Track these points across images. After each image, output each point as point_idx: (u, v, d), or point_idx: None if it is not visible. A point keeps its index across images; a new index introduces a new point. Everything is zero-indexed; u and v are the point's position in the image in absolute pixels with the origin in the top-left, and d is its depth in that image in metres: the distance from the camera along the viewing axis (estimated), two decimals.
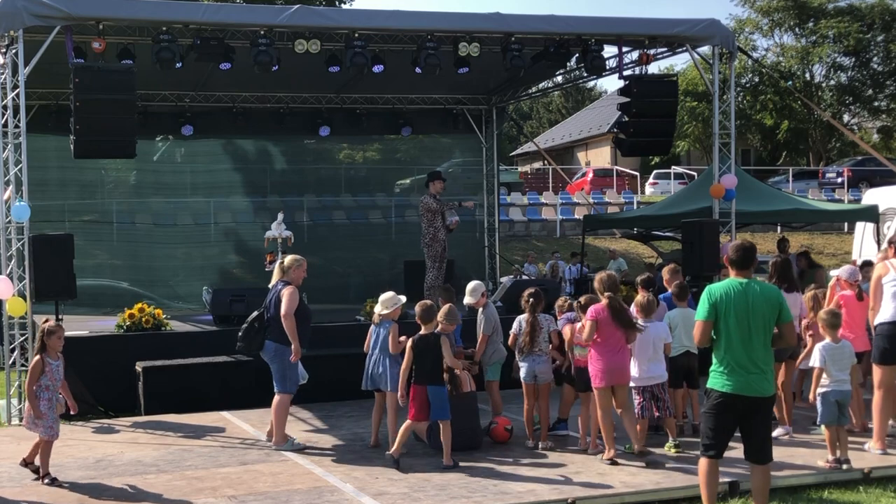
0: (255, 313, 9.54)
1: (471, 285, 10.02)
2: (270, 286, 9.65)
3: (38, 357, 8.44)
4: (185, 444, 9.78)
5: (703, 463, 6.79)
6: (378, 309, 9.35)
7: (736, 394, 6.53)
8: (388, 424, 9.26)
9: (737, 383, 6.54)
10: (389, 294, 9.43)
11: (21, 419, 10.42)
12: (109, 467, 8.84)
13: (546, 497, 7.62)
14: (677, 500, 7.69)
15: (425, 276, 13.90)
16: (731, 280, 6.72)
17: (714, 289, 6.73)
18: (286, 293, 9.22)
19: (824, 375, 8.37)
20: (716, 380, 6.65)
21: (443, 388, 8.67)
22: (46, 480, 8.26)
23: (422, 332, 8.78)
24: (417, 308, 8.90)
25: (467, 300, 9.91)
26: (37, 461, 8.48)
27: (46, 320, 8.77)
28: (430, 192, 13.83)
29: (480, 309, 9.87)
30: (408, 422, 8.70)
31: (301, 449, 9.37)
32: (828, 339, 8.49)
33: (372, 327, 9.46)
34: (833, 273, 10.53)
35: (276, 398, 9.41)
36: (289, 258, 9.67)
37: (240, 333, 9.58)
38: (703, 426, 6.84)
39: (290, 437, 9.51)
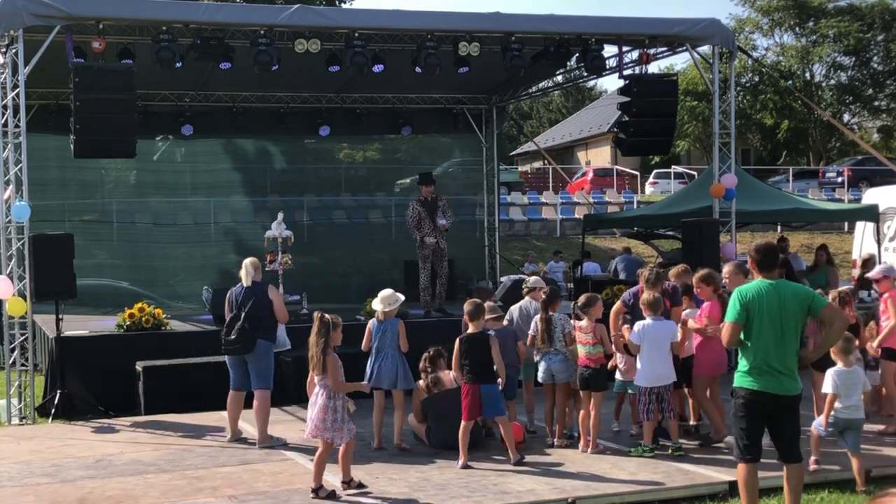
0: (241, 314, 9.52)
1: (531, 280, 10.23)
2: (247, 286, 9.65)
3: (332, 355, 7.76)
4: (185, 443, 9.78)
5: (742, 469, 6.69)
6: (381, 307, 9.21)
7: (764, 391, 6.48)
8: (395, 422, 9.26)
9: (766, 382, 6.49)
10: (388, 292, 9.34)
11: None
12: (109, 467, 8.84)
13: (546, 497, 7.62)
14: (677, 499, 7.68)
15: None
16: (761, 281, 6.63)
17: (745, 290, 6.63)
18: (276, 296, 9.64)
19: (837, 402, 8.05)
20: (743, 379, 6.58)
21: (495, 385, 8.66)
22: (355, 484, 7.82)
23: (470, 329, 8.74)
24: (466, 306, 8.88)
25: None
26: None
27: (322, 314, 7.94)
28: (422, 195, 14.02)
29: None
30: (464, 423, 8.58)
31: (284, 444, 9.56)
32: (840, 365, 8.08)
33: (372, 324, 9.32)
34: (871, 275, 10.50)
35: (261, 395, 9.50)
36: (253, 260, 9.82)
37: (232, 336, 9.58)
38: (735, 429, 6.73)
39: (271, 435, 9.66)
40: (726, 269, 9.17)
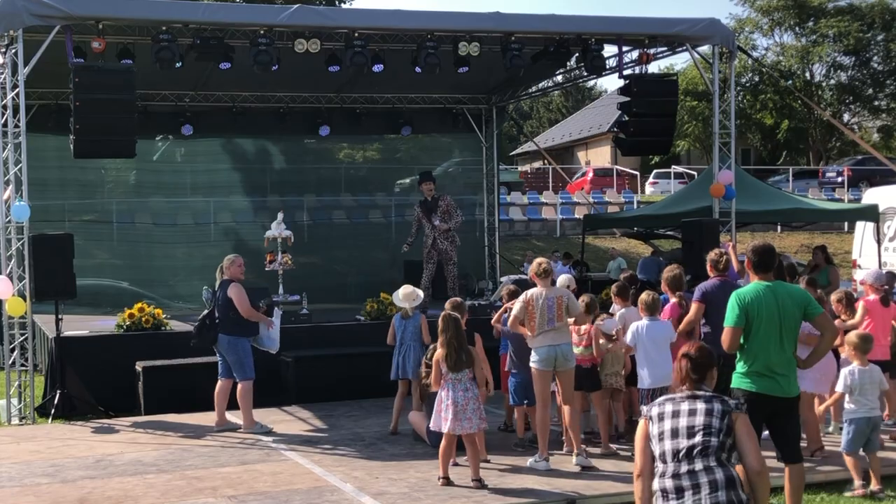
0: (206, 311, 10.33)
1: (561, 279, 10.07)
2: (217, 286, 10.39)
3: (471, 347, 8.10)
4: (185, 444, 9.78)
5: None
6: (406, 304, 9.84)
7: (763, 393, 6.46)
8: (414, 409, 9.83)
9: (764, 384, 6.48)
10: (409, 290, 9.94)
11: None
12: (109, 467, 8.84)
13: (546, 497, 7.63)
14: None
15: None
16: (758, 283, 6.63)
17: (743, 293, 6.61)
18: (234, 293, 10.02)
19: (848, 401, 7.87)
20: (742, 381, 6.57)
21: None
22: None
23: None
24: (448, 304, 9.06)
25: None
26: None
27: (447, 312, 8.17)
28: (424, 195, 14.09)
29: None
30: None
31: (268, 431, 10.06)
32: (856, 363, 7.95)
33: (395, 320, 10.02)
34: (858, 277, 10.33)
35: (240, 386, 10.11)
36: (226, 258, 10.43)
37: (192, 331, 10.35)
38: None
39: (257, 422, 10.20)
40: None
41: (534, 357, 8.46)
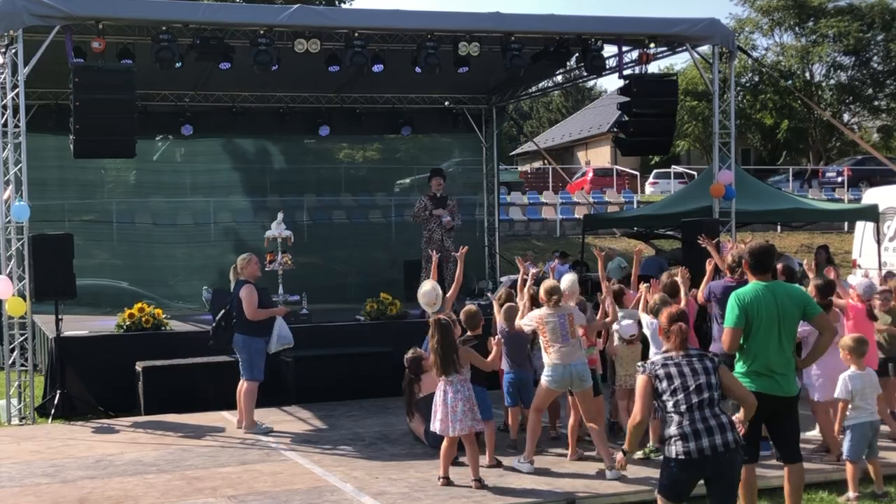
0: (223, 312, 10.29)
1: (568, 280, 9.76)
2: (232, 287, 10.35)
3: (462, 349, 8.14)
4: (185, 444, 9.78)
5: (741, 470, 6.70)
6: (430, 310, 9.52)
7: (763, 393, 6.43)
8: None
9: (764, 384, 6.48)
10: (430, 293, 9.58)
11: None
12: (109, 467, 8.84)
13: (546, 497, 7.63)
14: None
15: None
16: (757, 284, 6.62)
17: (742, 294, 6.60)
18: (244, 294, 9.98)
19: (851, 408, 7.70)
20: (741, 381, 6.48)
21: (480, 388, 8.62)
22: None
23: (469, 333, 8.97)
24: (462, 314, 9.01)
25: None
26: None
27: (437, 318, 8.13)
28: (432, 190, 14.03)
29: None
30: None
31: (268, 431, 10.09)
32: (853, 368, 7.75)
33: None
34: (850, 280, 10.21)
35: (245, 385, 10.11)
36: (239, 258, 10.41)
37: (210, 332, 10.40)
38: None
39: (258, 422, 10.21)
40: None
41: (546, 373, 8.36)
